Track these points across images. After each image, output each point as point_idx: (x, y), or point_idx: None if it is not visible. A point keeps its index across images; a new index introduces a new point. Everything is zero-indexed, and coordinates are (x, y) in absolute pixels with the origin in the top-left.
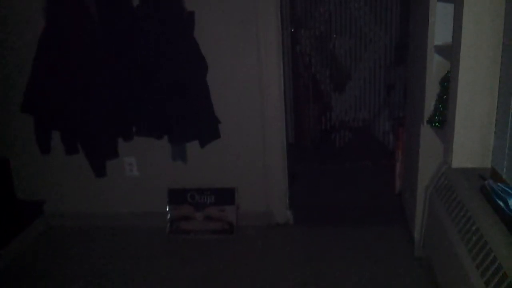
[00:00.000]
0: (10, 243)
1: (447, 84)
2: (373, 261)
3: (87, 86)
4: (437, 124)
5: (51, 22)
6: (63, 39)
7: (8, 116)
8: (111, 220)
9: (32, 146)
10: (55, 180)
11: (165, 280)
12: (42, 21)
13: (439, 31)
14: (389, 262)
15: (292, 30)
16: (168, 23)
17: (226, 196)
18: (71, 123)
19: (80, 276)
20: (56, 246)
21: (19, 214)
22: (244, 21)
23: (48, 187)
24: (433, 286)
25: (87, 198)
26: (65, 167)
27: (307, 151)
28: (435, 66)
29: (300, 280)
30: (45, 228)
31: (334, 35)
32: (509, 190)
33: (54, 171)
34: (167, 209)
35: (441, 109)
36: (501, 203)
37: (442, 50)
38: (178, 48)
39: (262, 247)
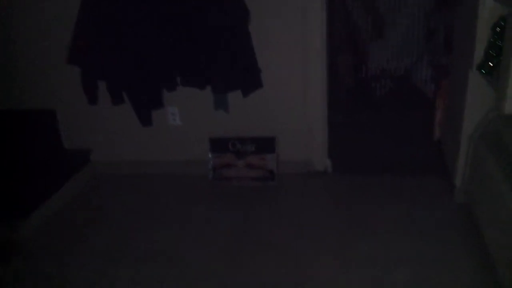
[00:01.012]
0: (59, 190)
1: (500, 30)
2: (412, 207)
3: (132, 37)
4: (487, 70)
5: None
6: None
7: (55, 68)
8: (156, 168)
9: (79, 97)
10: (101, 130)
11: (208, 223)
12: None
13: None
14: (429, 208)
15: None
16: None
17: (266, 144)
18: (117, 73)
19: (126, 221)
20: (103, 193)
21: (67, 163)
22: None
23: (94, 136)
24: (474, 231)
25: (132, 146)
26: (111, 117)
27: (346, 101)
28: (487, 10)
29: (338, 225)
30: (92, 176)
31: None
32: None
33: (101, 121)
34: (210, 157)
35: (494, 55)
36: None
37: None
38: None
39: (302, 193)
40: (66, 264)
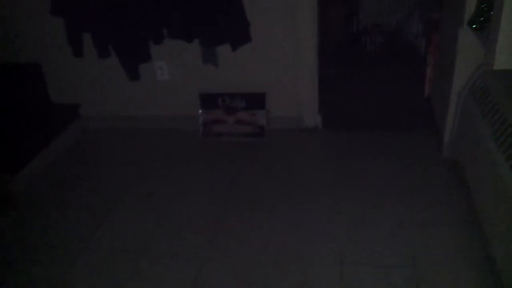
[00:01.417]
0: (48, 145)
1: None
2: (401, 162)
3: None
4: (478, 25)
5: None
6: None
7: (38, 20)
8: (145, 123)
9: (65, 50)
10: (89, 84)
11: (198, 179)
12: None
13: None
14: (418, 163)
15: None
16: None
17: (256, 100)
18: (102, 25)
19: (115, 176)
20: (92, 147)
21: (55, 118)
22: None
23: (82, 90)
24: (461, 186)
25: (120, 101)
26: (98, 70)
27: (336, 56)
28: None
29: (328, 180)
30: (81, 131)
31: None
32: None
33: (88, 75)
34: (199, 113)
35: (484, 9)
36: None
37: None
38: None
39: (292, 150)
40: (58, 218)
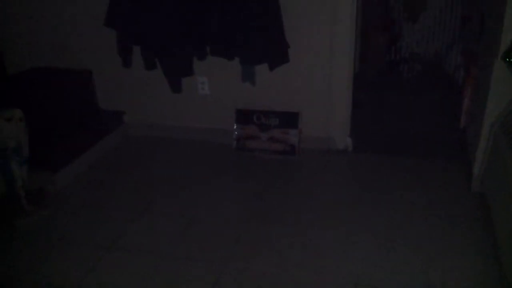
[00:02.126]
0: (93, 148)
1: None
2: (428, 191)
3: (166, 5)
4: (508, 59)
5: None
6: None
7: (92, 30)
8: (183, 133)
9: (115, 59)
10: (134, 93)
11: (228, 190)
12: None
13: None
14: (445, 194)
15: None
16: None
17: (290, 119)
18: (150, 39)
19: (151, 181)
20: (132, 153)
21: (101, 123)
22: None
23: (128, 99)
24: (485, 219)
25: (162, 111)
26: (144, 81)
27: (373, 81)
28: None
29: (352, 201)
30: (124, 137)
31: None
32: None
33: (135, 85)
34: (235, 128)
35: None
36: None
37: None
38: None
39: (320, 169)
40: (92, 216)
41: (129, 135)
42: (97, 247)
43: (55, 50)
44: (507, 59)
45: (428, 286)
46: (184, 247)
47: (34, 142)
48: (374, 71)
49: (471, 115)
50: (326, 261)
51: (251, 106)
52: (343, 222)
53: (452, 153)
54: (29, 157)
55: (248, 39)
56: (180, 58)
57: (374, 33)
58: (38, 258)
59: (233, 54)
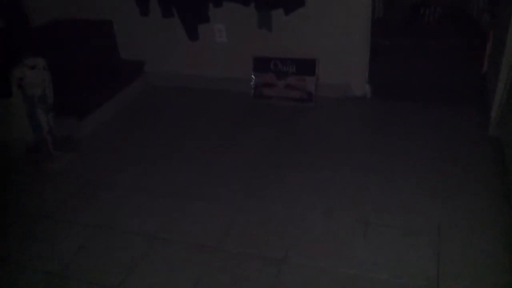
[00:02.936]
0: (114, 97)
1: None
2: (445, 136)
3: None
4: None
5: None
6: None
7: None
8: (201, 82)
9: (133, 9)
10: (153, 43)
11: (243, 136)
12: None
13: None
14: (461, 139)
15: None
16: None
17: (307, 66)
18: None
19: (171, 129)
20: (153, 103)
21: (123, 72)
22: None
23: (147, 49)
24: (499, 163)
25: (181, 60)
26: (162, 30)
27: (398, 26)
28: None
29: (366, 146)
30: (144, 86)
31: None
32: None
33: (153, 35)
34: (252, 76)
35: None
36: None
37: None
38: None
39: (336, 116)
40: (115, 161)
41: (150, 84)
42: (120, 189)
43: (75, 0)
44: None
45: (439, 226)
46: (199, 189)
47: (59, 91)
48: (398, 16)
49: (491, 59)
50: (337, 202)
51: (269, 54)
52: (356, 166)
53: (472, 98)
54: (55, 105)
55: None
56: (196, 4)
57: None
58: (63, 199)
59: None
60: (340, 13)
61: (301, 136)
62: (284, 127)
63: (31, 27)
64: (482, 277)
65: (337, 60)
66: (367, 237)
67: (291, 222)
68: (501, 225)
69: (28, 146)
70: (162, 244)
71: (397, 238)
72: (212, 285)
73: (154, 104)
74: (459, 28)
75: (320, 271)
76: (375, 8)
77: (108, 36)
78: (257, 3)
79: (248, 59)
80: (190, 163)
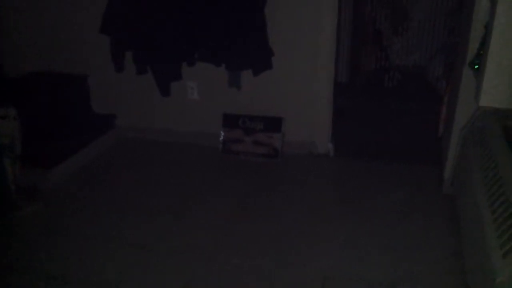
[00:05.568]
0: (83, 149)
1: None
2: (402, 194)
3: (157, 12)
4: (476, 66)
5: None
6: None
7: (89, 36)
8: (172, 136)
9: (108, 64)
10: (126, 97)
11: (213, 189)
12: None
13: None
14: (418, 196)
15: None
16: None
17: (274, 124)
18: (142, 45)
19: (141, 180)
20: (124, 155)
21: (94, 125)
22: None
23: (120, 103)
24: (454, 222)
25: (153, 115)
26: (135, 86)
27: (359, 90)
28: (482, 10)
29: (330, 202)
30: (116, 139)
31: None
32: None
33: (126, 89)
34: (221, 131)
35: (481, 52)
36: None
37: None
38: None
39: (302, 172)
40: (80, 213)
41: (121, 137)
42: (86, 238)
43: (52, 54)
44: (472, 66)
45: (395, 280)
46: (172, 240)
47: (29, 141)
48: (361, 80)
49: (446, 124)
50: (301, 255)
51: (238, 111)
52: (320, 221)
53: (428, 159)
54: (23, 154)
55: (233, 46)
56: (170, 63)
57: (363, 44)
58: (28, 248)
59: (219, 60)
60: (306, 76)
61: (269, 190)
62: (252, 181)
63: (6, 78)
64: None
65: (303, 119)
66: None
67: (253, 273)
68: (454, 280)
69: None
70: None
71: None
72: None
73: (124, 156)
74: (418, 93)
75: None
76: (338, 73)
77: (82, 90)
78: (228, 64)
79: (218, 115)
80: (159, 215)
